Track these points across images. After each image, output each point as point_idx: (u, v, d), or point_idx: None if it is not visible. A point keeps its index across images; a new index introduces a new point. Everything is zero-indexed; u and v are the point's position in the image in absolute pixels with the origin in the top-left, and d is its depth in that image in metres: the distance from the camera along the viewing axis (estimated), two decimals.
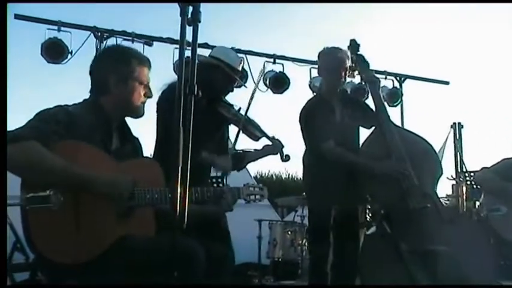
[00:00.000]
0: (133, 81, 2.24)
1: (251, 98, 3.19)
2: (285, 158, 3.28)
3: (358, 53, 3.61)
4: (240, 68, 3.21)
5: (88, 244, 1.95)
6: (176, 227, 1.55)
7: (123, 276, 1.96)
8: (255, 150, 3.29)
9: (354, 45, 3.62)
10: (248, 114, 3.15)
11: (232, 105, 3.18)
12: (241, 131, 3.12)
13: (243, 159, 3.26)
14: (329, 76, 3.52)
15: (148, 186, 2.12)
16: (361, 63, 3.59)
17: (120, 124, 2.31)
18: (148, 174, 2.19)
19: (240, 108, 3.16)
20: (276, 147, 3.22)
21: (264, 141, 3.28)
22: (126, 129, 2.35)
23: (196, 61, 1.68)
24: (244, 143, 3.29)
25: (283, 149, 3.24)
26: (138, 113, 2.32)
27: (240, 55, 5.82)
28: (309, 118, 3.44)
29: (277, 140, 3.25)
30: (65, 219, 1.92)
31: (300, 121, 3.50)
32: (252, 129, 3.18)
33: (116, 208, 2.05)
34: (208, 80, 2.82)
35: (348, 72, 3.49)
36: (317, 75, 6.31)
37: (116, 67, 2.24)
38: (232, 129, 3.22)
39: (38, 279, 2.73)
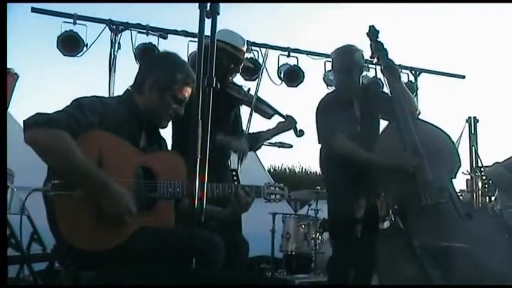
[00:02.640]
0: (168, 93, 2.25)
1: (259, 80, 3.24)
2: (299, 133, 3.32)
3: (377, 39, 3.45)
4: (244, 49, 3.22)
5: (108, 234, 1.98)
6: (195, 219, 1.56)
7: (142, 265, 1.99)
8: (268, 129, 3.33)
9: (372, 31, 3.47)
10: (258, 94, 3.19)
11: (241, 86, 3.23)
12: (253, 111, 3.14)
13: (258, 138, 3.31)
14: (342, 77, 3.44)
15: (171, 179, 2.15)
16: (379, 51, 3.43)
17: (150, 126, 2.33)
18: (172, 167, 2.21)
19: (249, 89, 3.20)
20: (289, 123, 3.28)
21: (276, 120, 3.34)
22: (154, 132, 2.38)
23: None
24: (258, 125, 3.33)
25: (297, 125, 3.29)
26: (159, 124, 2.35)
27: (255, 48, 5.89)
28: (323, 112, 3.37)
29: (290, 116, 3.30)
30: (87, 207, 1.96)
31: (315, 115, 3.43)
32: (263, 107, 3.23)
33: (137, 199, 2.06)
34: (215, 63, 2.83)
35: (362, 71, 3.42)
36: (331, 68, 6.32)
37: (159, 73, 2.26)
38: (245, 112, 3.26)
39: (56, 269, 2.78)
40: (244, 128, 3.21)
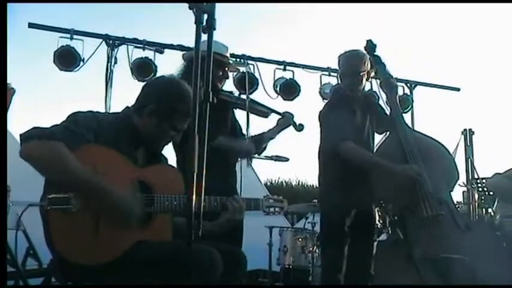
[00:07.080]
0: (167, 122, 2.24)
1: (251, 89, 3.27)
2: (299, 128, 3.34)
3: (375, 53, 3.52)
4: (228, 55, 3.24)
5: (105, 248, 1.97)
6: (191, 234, 1.55)
7: (138, 280, 1.98)
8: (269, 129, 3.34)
9: (370, 45, 3.52)
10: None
11: (232, 92, 3.27)
12: (249, 112, 3.16)
13: (261, 139, 3.31)
14: (348, 81, 3.44)
15: (168, 192, 2.15)
16: (377, 64, 3.49)
17: (148, 145, 2.31)
18: (169, 180, 2.21)
19: (240, 93, 3.21)
20: (288, 119, 3.30)
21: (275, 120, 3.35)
22: (154, 150, 2.36)
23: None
24: (258, 127, 3.35)
25: (295, 119, 3.32)
26: (154, 149, 2.35)
27: (251, 62, 5.92)
28: (331, 115, 3.37)
29: (287, 112, 3.33)
30: (84, 222, 1.96)
31: (319, 118, 3.44)
32: (258, 107, 3.27)
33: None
34: (201, 73, 2.84)
35: (368, 76, 3.43)
36: (327, 82, 6.36)
37: (160, 102, 2.24)
38: (241, 117, 3.28)
39: (52, 284, 2.76)
40: (244, 132, 3.20)
